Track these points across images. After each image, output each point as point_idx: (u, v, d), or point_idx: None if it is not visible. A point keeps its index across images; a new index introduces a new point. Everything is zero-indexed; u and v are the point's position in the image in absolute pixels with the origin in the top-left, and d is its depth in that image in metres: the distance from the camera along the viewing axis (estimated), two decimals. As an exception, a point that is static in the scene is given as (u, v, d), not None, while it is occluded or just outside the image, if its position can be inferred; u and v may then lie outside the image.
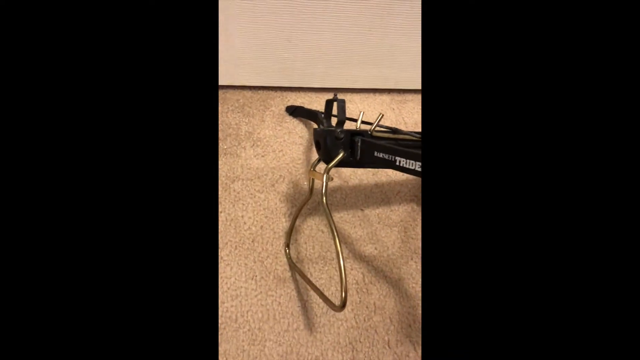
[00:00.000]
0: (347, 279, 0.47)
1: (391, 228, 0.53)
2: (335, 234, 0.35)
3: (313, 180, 0.43)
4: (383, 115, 0.40)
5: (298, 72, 0.65)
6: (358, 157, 0.39)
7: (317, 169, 0.42)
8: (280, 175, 0.55)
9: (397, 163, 0.35)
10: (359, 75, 0.67)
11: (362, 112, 0.43)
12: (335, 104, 0.40)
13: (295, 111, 0.63)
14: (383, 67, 0.67)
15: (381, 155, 0.37)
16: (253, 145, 0.58)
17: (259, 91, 0.66)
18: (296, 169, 0.56)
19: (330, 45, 0.62)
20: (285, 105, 0.64)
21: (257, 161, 0.56)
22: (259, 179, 0.54)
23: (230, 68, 0.62)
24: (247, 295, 0.44)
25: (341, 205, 0.54)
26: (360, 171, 0.58)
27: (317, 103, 0.67)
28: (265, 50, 0.60)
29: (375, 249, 0.50)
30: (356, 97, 0.69)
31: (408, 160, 0.34)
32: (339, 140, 0.38)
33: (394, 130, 0.42)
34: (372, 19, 0.59)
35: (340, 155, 0.39)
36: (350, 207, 0.54)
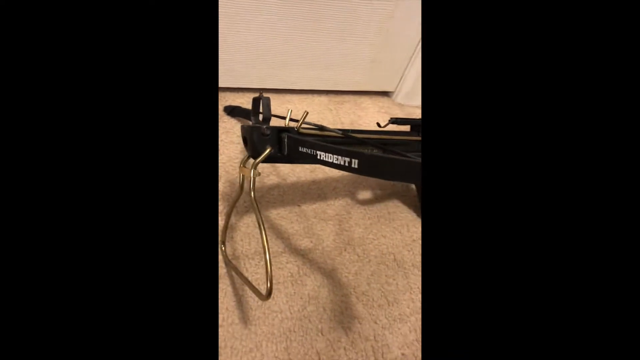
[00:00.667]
0: (283, 272, 0.48)
1: (326, 222, 0.55)
2: (262, 226, 0.36)
3: (243, 176, 0.44)
4: (307, 113, 0.42)
5: (237, 73, 0.65)
6: (285, 153, 0.41)
7: (246, 165, 0.43)
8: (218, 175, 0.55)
9: (319, 157, 0.37)
10: (298, 77, 0.70)
11: (290, 110, 0.44)
12: (261, 101, 0.41)
13: (232, 111, 0.63)
14: (321, 69, 0.70)
15: (305, 150, 0.39)
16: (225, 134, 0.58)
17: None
18: (233, 168, 0.57)
19: (268, 47, 0.63)
20: (224, 106, 0.65)
21: (234, 149, 0.56)
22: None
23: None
24: (180, 293, 0.44)
25: (279, 202, 0.55)
26: (298, 169, 0.60)
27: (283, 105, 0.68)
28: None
29: (311, 242, 0.52)
30: (295, 98, 0.72)
31: (329, 154, 0.36)
32: (265, 137, 0.40)
33: (320, 128, 0.44)
34: (306, 22, 0.61)
35: (267, 150, 0.40)
36: (287, 204, 0.56)
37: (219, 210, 0.51)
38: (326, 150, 0.36)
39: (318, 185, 0.59)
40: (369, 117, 0.74)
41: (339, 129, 0.46)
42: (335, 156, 0.36)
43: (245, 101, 0.67)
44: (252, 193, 0.39)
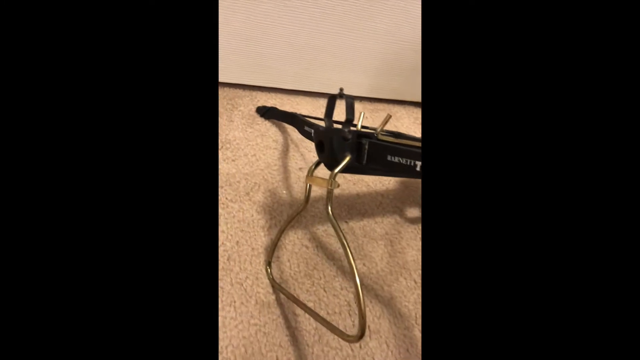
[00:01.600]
0: (339, 300, 0.41)
1: (377, 242, 0.49)
2: (349, 250, 0.30)
3: (310, 187, 0.37)
4: (390, 116, 0.37)
5: (270, 70, 0.59)
6: (364, 162, 0.35)
7: (314, 174, 0.36)
8: (255, 183, 0.48)
9: (418, 168, 0.31)
10: (334, 80, 0.64)
11: (362, 112, 0.39)
12: (343, 101, 0.35)
13: (267, 112, 0.57)
14: (359, 72, 0.64)
15: (397, 159, 0.33)
16: (221, 147, 0.50)
17: (225, 88, 0.59)
18: (272, 176, 0.50)
19: (306, 45, 0.57)
20: (257, 106, 0.58)
21: (227, 166, 0.49)
22: (230, 186, 0.47)
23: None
24: (225, 326, 0.36)
25: (324, 218, 0.49)
26: (340, 180, 0.54)
27: (288, 106, 0.62)
28: (237, 41, 0.54)
29: (364, 265, 0.46)
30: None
31: (402, 159, 0.31)
32: (346, 142, 0.34)
33: (397, 135, 0.39)
34: (352, 19, 0.56)
35: (347, 158, 0.34)
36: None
37: (261, 226, 0.44)
38: (400, 153, 0.30)
39: (362, 199, 0.53)
40: (404, 128, 0.69)
41: (416, 137, 0.41)
42: (405, 159, 0.30)
43: (277, 102, 0.61)
44: (330, 209, 0.33)
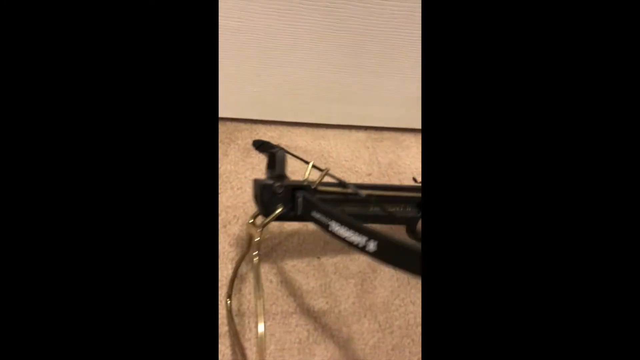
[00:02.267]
0: (290, 337, 0.43)
1: (347, 280, 0.49)
2: (262, 299, 0.32)
3: (251, 234, 0.40)
4: (328, 170, 0.38)
5: (269, 104, 0.62)
6: (298, 213, 0.36)
7: (256, 220, 0.39)
8: (234, 216, 0.52)
9: (330, 228, 0.32)
10: (333, 112, 0.65)
11: (312, 162, 0.40)
12: (276, 157, 0.37)
13: (261, 146, 0.60)
14: (359, 105, 0.65)
15: (318, 216, 0.34)
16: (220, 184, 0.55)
17: (227, 123, 0.64)
18: (253, 209, 0.53)
19: (302, 81, 0.60)
20: (253, 139, 0.62)
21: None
22: (221, 214, 0.51)
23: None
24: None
25: (296, 252, 0.51)
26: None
27: (287, 137, 0.65)
28: (232, 83, 0.58)
29: (327, 303, 0.47)
30: (330, 133, 0.67)
31: (343, 227, 0.31)
32: (277, 195, 0.36)
33: (341, 184, 0.39)
34: (344, 57, 0.57)
35: (279, 210, 0.36)
36: (306, 255, 0.51)
37: (230, 258, 0.48)
38: (341, 221, 0.31)
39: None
40: (410, 157, 0.67)
41: (367, 185, 0.41)
42: (350, 231, 0.30)
43: (276, 135, 0.64)
44: (255, 258, 0.35)
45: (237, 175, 0.57)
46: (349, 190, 0.39)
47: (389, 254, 0.28)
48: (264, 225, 0.35)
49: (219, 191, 0.54)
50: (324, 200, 0.37)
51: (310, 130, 0.67)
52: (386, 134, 0.70)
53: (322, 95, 0.62)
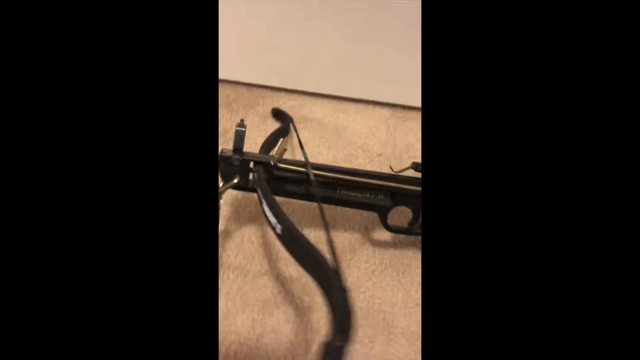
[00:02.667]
0: (255, 294, 0.48)
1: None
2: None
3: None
4: (285, 150, 0.39)
5: (291, 74, 0.64)
6: (249, 186, 0.39)
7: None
8: (236, 178, 0.56)
9: (262, 205, 0.34)
10: (356, 87, 0.64)
11: (282, 140, 0.41)
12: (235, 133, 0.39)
13: (276, 115, 0.63)
14: (383, 83, 0.62)
15: (258, 192, 0.36)
16: (225, 143, 0.60)
17: (253, 89, 0.67)
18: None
19: (324, 52, 0.59)
20: (273, 107, 0.64)
21: None
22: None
23: (224, 62, 0.64)
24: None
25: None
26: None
27: (307, 108, 0.66)
28: (254, 51, 0.61)
29: (298, 271, 0.50)
30: (351, 107, 0.66)
31: (267, 209, 0.33)
32: (234, 167, 0.38)
33: (304, 164, 0.40)
34: (363, 32, 0.54)
35: (234, 180, 0.39)
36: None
37: (222, 215, 0.53)
38: (268, 203, 0.33)
39: (334, 210, 0.55)
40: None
41: (335, 170, 0.41)
42: (269, 213, 0.32)
43: (297, 104, 0.66)
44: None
45: (249, 139, 0.60)
46: (303, 170, 0.39)
47: (288, 241, 0.29)
48: (220, 193, 0.38)
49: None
50: (286, 178, 0.39)
51: (332, 102, 0.66)
52: (412, 114, 0.66)
53: (343, 69, 0.61)
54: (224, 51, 0.62)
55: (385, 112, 0.66)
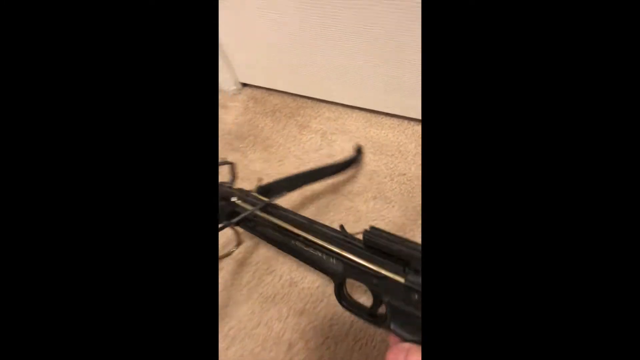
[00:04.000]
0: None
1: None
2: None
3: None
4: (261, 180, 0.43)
5: (327, 86, 0.67)
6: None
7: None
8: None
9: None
10: (390, 101, 0.63)
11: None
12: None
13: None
14: (418, 98, 0.61)
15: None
16: (265, 149, 0.67)
17: (297, 99, 0.72)
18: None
19: (360, 68, 0.61)
20: (310, 117, 0.69)
21: (260, 165, 0.66)
22: (250, 181, 0.65)
23: (273, 73, 0.70)
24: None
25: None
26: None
27: (342, 119, 0.68)
28: (297, 62, 0.65)
29: (292, 278, 0.55)
30: (387, 122, 0.66)
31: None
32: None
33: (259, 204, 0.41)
34: (389, 50, 0.54)
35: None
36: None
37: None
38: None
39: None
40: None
41: (283, 215, 0.40)
42: None
43: (333, 116, 0.68)
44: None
45: (283, 148, 0.67)
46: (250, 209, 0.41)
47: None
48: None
49: (267, 159, 0.66)
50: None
51: (367, 116, 0.68)
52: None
53: (380, 85, 0.61)
54: (274, 64, 0.68)
55: (419, 129, 0.64)
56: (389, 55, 0.56)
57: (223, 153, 0.68)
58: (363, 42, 0.56)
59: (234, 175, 0.48)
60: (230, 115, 0.74)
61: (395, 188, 0.58)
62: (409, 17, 0.49)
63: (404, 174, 0.60)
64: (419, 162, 0.61)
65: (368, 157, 0.63)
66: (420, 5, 0.46)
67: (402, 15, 0.50)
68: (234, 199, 0.42)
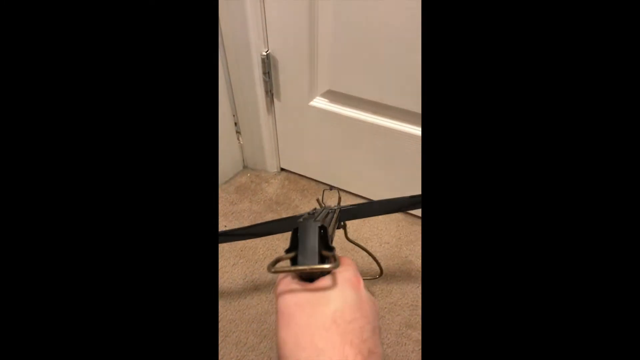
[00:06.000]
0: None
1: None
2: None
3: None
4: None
5: (338, 176, 1.00)
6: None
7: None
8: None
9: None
10: (379, 192, 0.96)
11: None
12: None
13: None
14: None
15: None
16: (294, 212, 0.98)
17: (320, 184, 1.05)
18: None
19: (358, 174, 0.95)
20: (327, 197, 1.01)
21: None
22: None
23: (308, 164, 1.05)
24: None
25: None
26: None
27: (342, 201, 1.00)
28: (314, 164, 1.00)
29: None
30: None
31: None
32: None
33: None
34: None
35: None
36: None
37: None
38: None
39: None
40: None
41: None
42: None
43: (337, 197, 1.01)
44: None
45: (299, 210, 0.97)
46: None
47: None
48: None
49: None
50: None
51: (363, 201, 0.99)
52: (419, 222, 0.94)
53: (372, 181, 0.95)
54: (310, 159, 1.03)
55: (399, 215, 0.96)
56: (379, 164, 0.90)
57: (265, 214, 0.97)
58: (360, 151, 0.91)
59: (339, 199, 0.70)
60: (272, 188, 1.06)
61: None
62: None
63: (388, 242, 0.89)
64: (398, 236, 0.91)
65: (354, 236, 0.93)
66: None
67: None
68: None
